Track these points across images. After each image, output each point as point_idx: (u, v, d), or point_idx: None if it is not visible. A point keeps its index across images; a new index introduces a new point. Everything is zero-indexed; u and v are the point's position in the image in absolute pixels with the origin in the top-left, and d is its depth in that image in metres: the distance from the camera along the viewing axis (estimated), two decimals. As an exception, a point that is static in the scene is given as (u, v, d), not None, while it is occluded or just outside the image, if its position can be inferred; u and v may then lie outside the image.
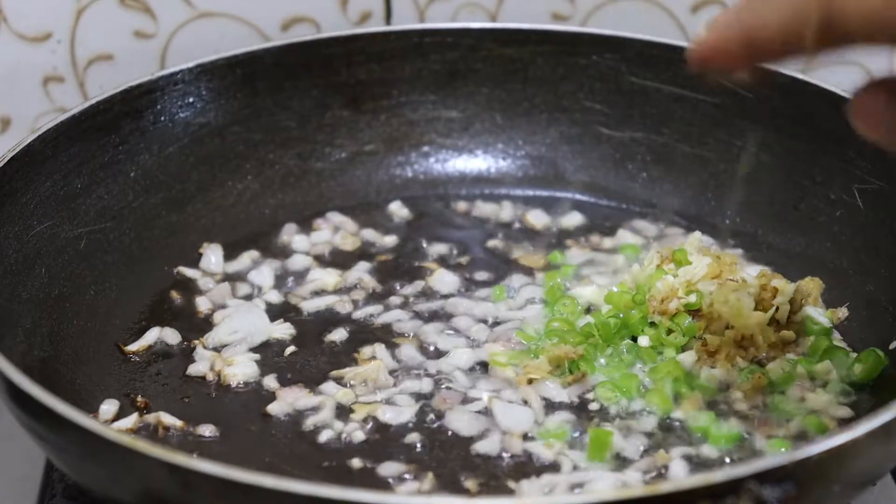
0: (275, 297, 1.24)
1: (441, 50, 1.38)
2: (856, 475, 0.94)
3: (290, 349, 1.17)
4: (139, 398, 1.11)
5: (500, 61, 1.39)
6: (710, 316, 1.13)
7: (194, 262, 1.28)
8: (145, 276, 1.25)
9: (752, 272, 1.19)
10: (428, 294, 1.24)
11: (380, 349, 1.16)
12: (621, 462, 1.03)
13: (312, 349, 1.18)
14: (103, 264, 1.22)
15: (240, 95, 1.34)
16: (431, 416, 1.09)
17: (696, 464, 1.03)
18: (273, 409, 1.10)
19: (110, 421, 1.08)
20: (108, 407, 1.09)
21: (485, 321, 1.20)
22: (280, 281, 1.27)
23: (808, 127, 1.27)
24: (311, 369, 1.15)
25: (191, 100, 1.31)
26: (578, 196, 1.38)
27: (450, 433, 1.07)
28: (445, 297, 1.24)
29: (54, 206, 1.19)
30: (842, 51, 0.78)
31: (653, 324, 1.14)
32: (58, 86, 1.42)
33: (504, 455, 1.04)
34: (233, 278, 1.27)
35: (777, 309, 1.14)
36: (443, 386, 1.12)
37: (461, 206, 1.38)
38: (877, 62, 1.51)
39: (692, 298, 1.13)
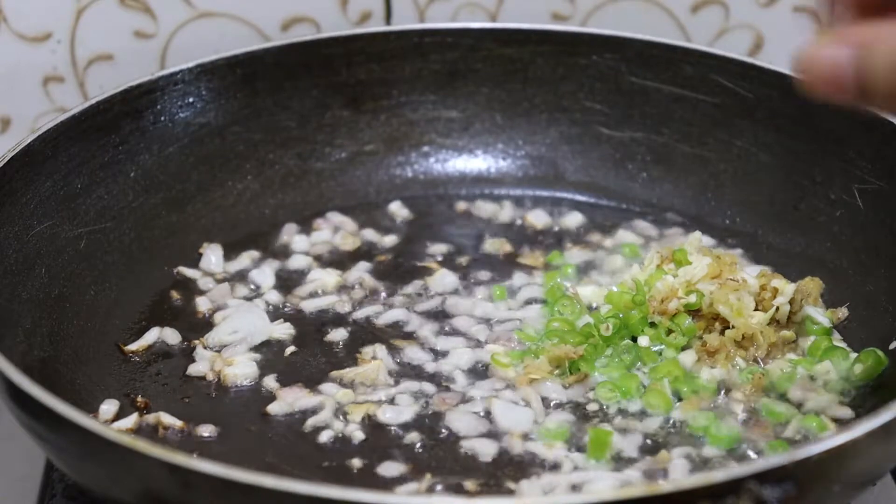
0: (275, 297, 1.24)
1: (441, 50, 1.38)
2: (856, 475, 0.94)
3: (290, 349, 1.17)
4: (139, 398, 1.11)
5: (500, 61, 1.39)
6: (709, 316, 1.13)
7: (194, 262, 1.28)
8: (145, 276, 1.25)
9: (752, 272, 1.19)
10: (428, 294, 1.24)
11: (380, 349, 1.16)
12: (621, 462, 1.03)
13: (312, 349, 1.18)
14: (103, 264, 1.22)
15: (240, 95, 1.34)
16: (431, 416, 1.09)
17: (696, 464, 1.03)
18: (273, 409, 1.10)
19: (110, 421, 1.08)
20: (108, 407, 1.09)
21: (485, 321, 1.20)
22: (280, 281, 1.27)
23: (808, 127, 1.27)
24: (311, 369, 1.15)
25: (191, 100, 1.31)
26: (578, 196, 1.38)
27: (450, 433, 1.07)
28: (445, 297, 1.24)
29: (54, 206, 1.19)
30: None
31: (653, 324, 1.14)
32: (58, 86, 1.42)
33: (504, 455, 1.04)
34: (233, 278, 1.27)
35: (777, 309, 1.14)
36: (443, 386, 1.12)
37: (461, 206, 1.38)
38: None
39: (692, 298, 1.13)
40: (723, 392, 1.10)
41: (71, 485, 1.10)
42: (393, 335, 1.19)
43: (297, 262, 1.29)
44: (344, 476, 1.02)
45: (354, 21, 1.46)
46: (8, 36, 1.38)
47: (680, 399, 1.09)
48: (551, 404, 1.09)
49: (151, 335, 1.18)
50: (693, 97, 1.34)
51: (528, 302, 1.23)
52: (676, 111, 1.35)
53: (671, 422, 1.07)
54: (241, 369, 1.14)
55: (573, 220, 1.35)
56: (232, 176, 1.35)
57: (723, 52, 1.32)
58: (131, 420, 1.08)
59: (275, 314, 1.21)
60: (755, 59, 1.32)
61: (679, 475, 1.01)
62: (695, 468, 1.03)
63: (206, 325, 1.20)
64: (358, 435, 1.07)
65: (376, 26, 1.46)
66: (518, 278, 1.26)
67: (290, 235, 1.33)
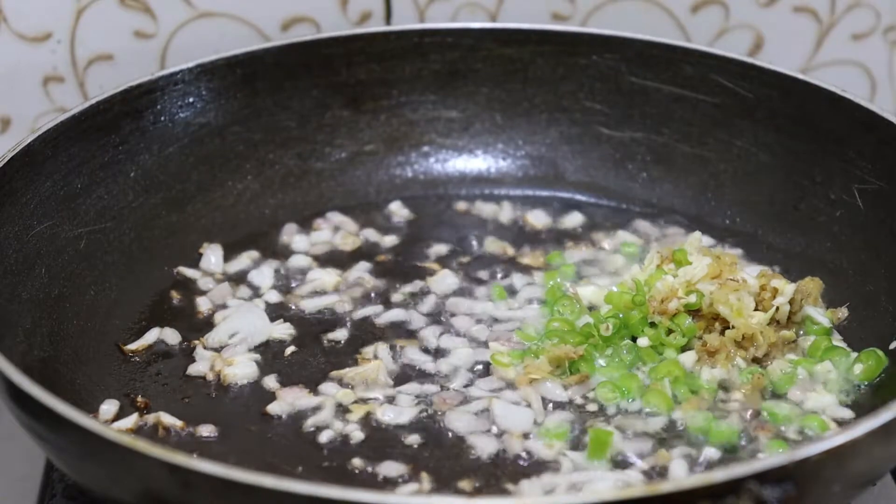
0: (275, 297, 1.24)
1: (441, 50, 1.38)
2: (856, 475, 0.94)
3: (290, 349, 1.17)
4: (139, 398, 1.11)
5: (500, 61, 1.39)
6: (710, 316, 1.13)
7: (194, 262, 1.28)
8: (145, 276, 1.25)
9: (752, 272, 1.19)
10: (428, 294, 1.24)
11: (380, 349, 1.16)
12: (621, 462, 1.03)
13: (312, 349, 1.18)
14: (103, 264, 1.22)
15: (240, 95, 1.34)
16: (431, 416, 1.09)
17: (697, 464, 1.03)
18: (273, 409, 1.10)
19: (110, 421, 1.08)
20: (108, 407, 1.09)
21: (485, 321, 1.20)
22: (280, 281, 1.27)
23: (808, 127, 1.27)
24: (311, 369, 1.15)
25: (191, 100, 1.31)
26: (578, 196, 1.38)
27: (450, 433, 1.07)
28: (445, 297, 1.24)
29: (54, 206, 1.19)
30: None
31: (653, 324, 1.14)
32: (58, 86, 1.42)
33: (504, 455, 1.04)
34: (233, 278, 1.27)
35: (777, 309, 1.14)
36: (443, 386, 1.12)
37: (461, 206, 1.38)
38: (876, 63, 1.51)
39: (692, 298, 1.13)
40: (723, 392, 1.10)
41: (71, 485, 1.10)
42: (393, 335, 1.19)
43: (297, 262, 1.29)
44: (344, 476, 1.02)
45: (354, 21, 1.46)
46: (8, 36, 1.38)
47: (680, 399, 1.09)
48: (551, 404, 1.09)
49: (151, 335, 1.18)
50: (693, 97, 1.34)
51: (528, 302, 1.23)
52: (676, 111, 1.35)
53: (671, 422, 1.07)
54: (241, 369, 1.14)
55: (573, 220, 1.35)
56: (232, 176, 1.35)
57: (723, 52, 1.32)
58: (131, 420, 1.08)
59: (275, 314, 1.21)
60: (755, 59, 1.32)
61: (679, 475, 1.01)
62: (695, 468, 1.03)
63: (206, 325, 1.20)
64: (358, 435, 1.07)
65: (376, 26, 1.45)
66: (518, 278, 1.26)
67: (290, 235, 1.33)
